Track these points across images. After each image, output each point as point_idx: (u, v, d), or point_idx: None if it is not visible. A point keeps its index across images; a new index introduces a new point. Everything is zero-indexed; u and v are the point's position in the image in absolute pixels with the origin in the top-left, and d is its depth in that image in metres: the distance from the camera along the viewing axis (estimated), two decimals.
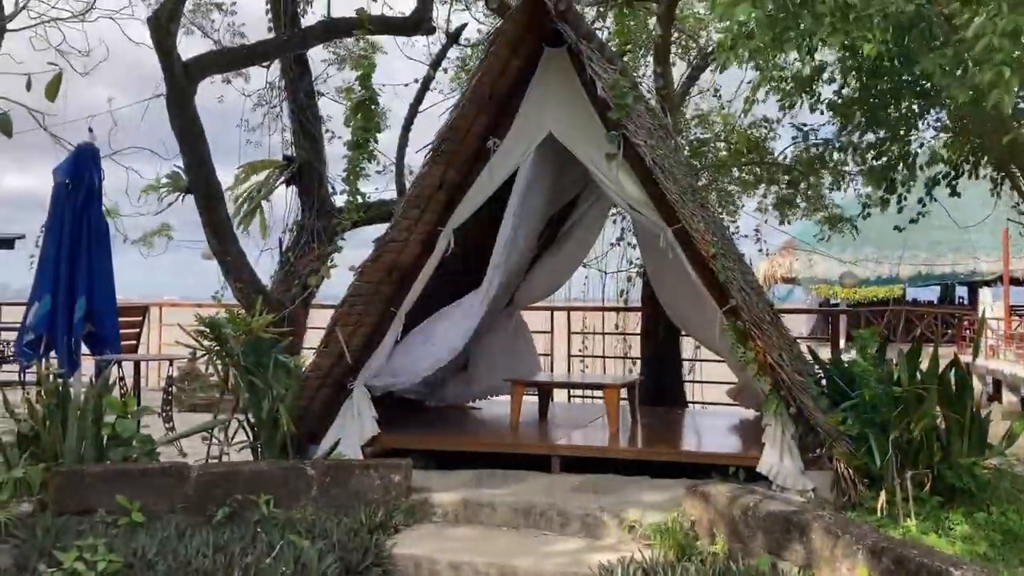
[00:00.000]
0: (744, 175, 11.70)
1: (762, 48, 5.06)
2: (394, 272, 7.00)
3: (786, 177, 11.31)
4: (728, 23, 5.13)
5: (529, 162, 6.93)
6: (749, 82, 11.33)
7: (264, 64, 10.96)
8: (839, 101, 7.94)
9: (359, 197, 7.94)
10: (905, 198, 8.01)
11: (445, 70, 11.51)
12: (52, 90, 7.61)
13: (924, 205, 8.26)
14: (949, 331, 21.09)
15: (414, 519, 6.00)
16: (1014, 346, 17.58)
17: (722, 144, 11.88)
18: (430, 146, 6.72)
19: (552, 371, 10.76)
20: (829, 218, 11.94)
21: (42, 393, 6.30)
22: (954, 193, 8.04)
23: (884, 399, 5.66)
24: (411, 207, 6.84)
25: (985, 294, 20.97)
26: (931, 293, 27.06)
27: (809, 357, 7.29)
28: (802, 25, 5.13)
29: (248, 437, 6.55)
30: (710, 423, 8.78)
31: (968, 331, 20.67)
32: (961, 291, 26.91)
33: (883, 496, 5.46)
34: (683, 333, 9.72)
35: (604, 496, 6.17)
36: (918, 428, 5.49)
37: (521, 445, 7.24)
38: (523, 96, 6.94)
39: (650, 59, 11.02)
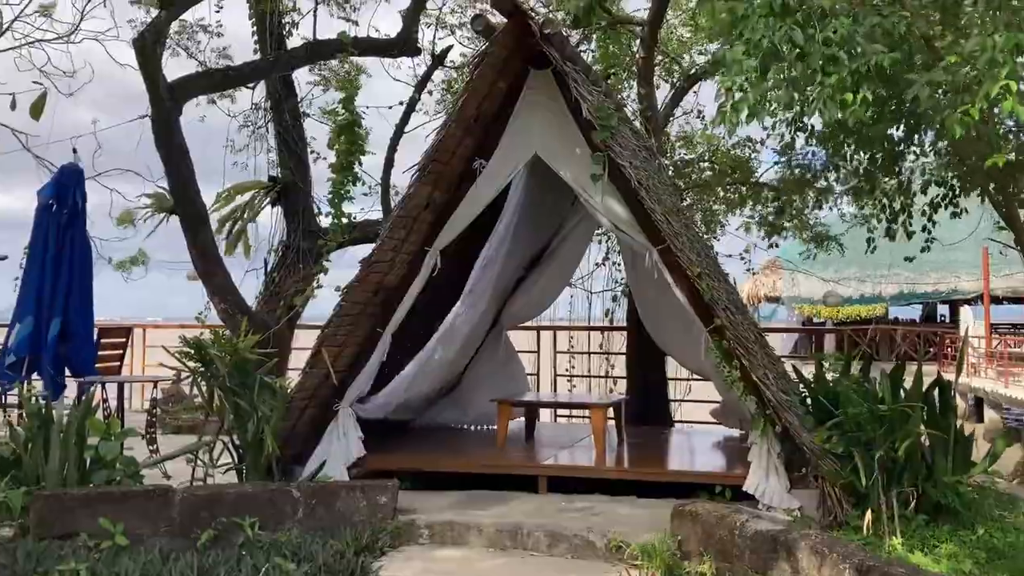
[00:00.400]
0: (728, 195, 11.81)
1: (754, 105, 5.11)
2: (380, 292, 7.00)
3: (771, 196, 11.42)
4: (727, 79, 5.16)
5: (518, 183, 6.97)
6: (732, 103, 11.46)
7: (250, 86, 11.00)
8: (827, 131, 8.06)
9: (344, 219, 7.94)
10: (910, 223, 8.13)
11: (430, 92, 11.59)
12: (37, 109, 7.63)
13: (929, 232, 8.37)
14: (931, 349, 21.24)
15: (401, 541, 5.97)
16: (995, 364, 17.72)
17: (706, 164, 11.99)
18: (417, 167, 6.74)
19: (538, 391, 10.75)
20: (815, 237, 12.05)
21: (24, 416, 6.24)
22: (956, 215, 8.16)
23: (869, 418, 5.69)
24: (397, 228, 6.85)
25: (966, 312, 21.13)
26: (913, 312, 27.29)
27: (793, 376, 7.32)
28: (793, 72, 5.23)
29: (233, 459, 6.50)
30: (696, 442, 8.80)
31: (950, 349, 20.83)
32: (943, 309, 27.12)
33: (869, 515, 5.47)
34: (667, 353, 9.76)
35: (591, 516, 6.17)
36: (903, 447, 5.51)
37: (508, 465, 7.22)
38: (509, 117, 6.98)
39: (634, 81, 11.13)
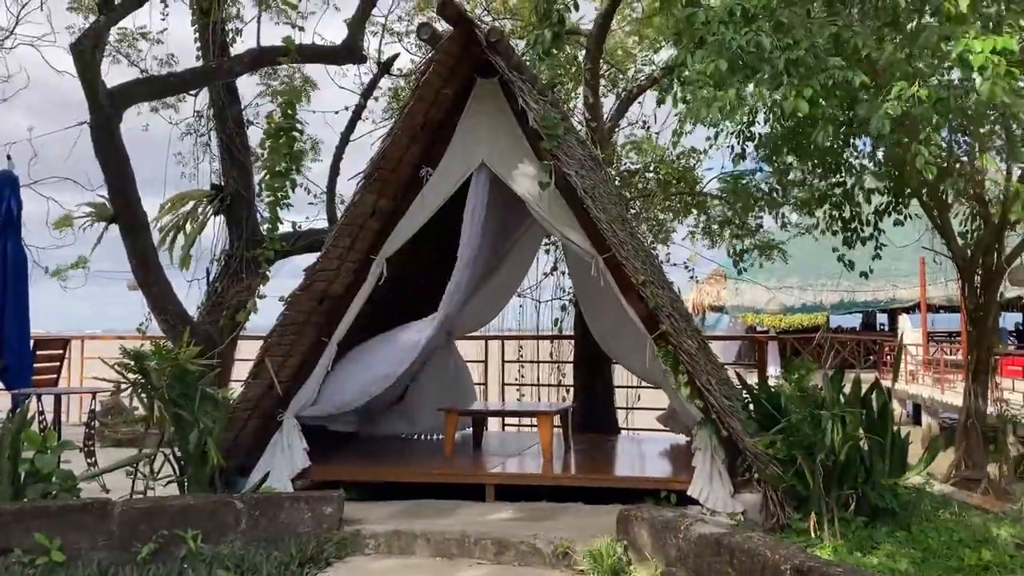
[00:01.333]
0: (673, 204, 11.94)
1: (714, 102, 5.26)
2: (325, 301, 6.94)
3: (716, 203, 11.59)
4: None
5: (474, 191, 6.97)
6: (677, 114, 11.65)
7: (192, 93, 10.85)
8: (764, 138, 8.23)
9: (280, 225, 7.77)
10: (862, 230, 8.32)
11: (376, 99, 11.55)
12: None
13: (876, 240, 8.56)
14: (871, 357, 21.73)
15: (346, 552, 5.90)
16: (932, 371, 18.19)
17: (651, 174, 12.11)
18: (362, 174, 6.71)
19: (487, 400, 10.74)
20: (759, 246, 12.24)
21: None
22: (899, 222, 8.37)
23: (810, 422, 5.80)
24: (343, 236, 6.81)
25: (904, 321, 21.68)
26: (853, 320, 27.89)
27: (737, 383, 7.43)
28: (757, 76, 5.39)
29: (175, 471, 6.37)
30: (642, 448, 8.87)
31: (889, 357, 21.33)
32: (882, 318, 27.77)
33: (812, 517, 5.57)
34: (615, 361, 9.83)
35: (538, 523, 6.17)
36: (843, 450, 5.63)
37: (455, 474, 7.20)
38: (456, 125, 6.99)
39: (580, 91, 11.22)
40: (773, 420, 6.25)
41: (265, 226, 7.83)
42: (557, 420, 8.10)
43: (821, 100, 5.64)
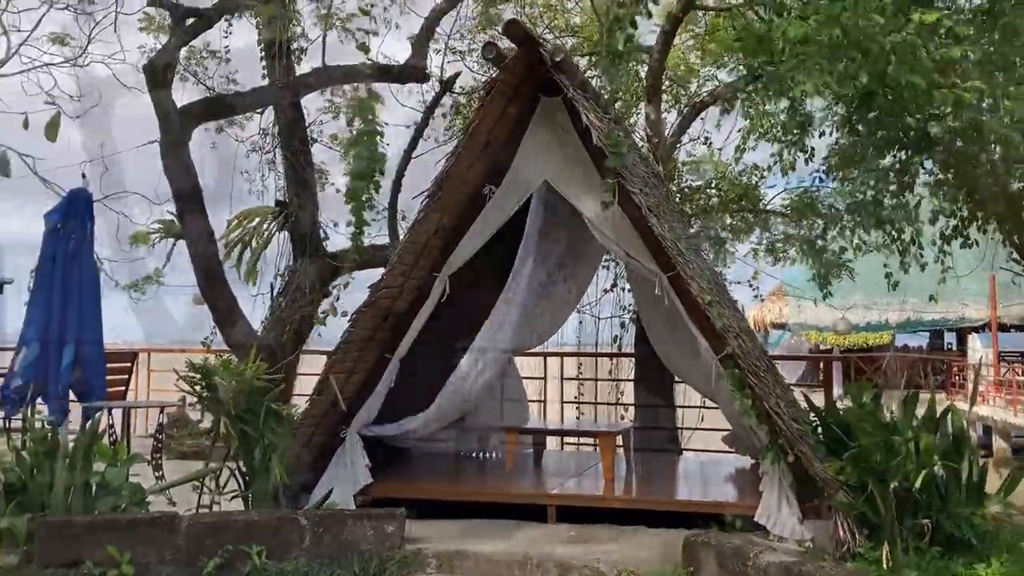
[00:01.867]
0: (735, 222, 11.79)
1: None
2: (389, 318, 6.97)
3: (779, 222, 11.41)
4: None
5: (535, 209, 6.96)
6: (739, 130, 11.53)
7: (259, 111, 11.05)
8: (835, 159, 8.09)
9: (365, 226, 7.72)
10: (921, 255, 8.11)
11: (444, 116, 11.62)
12: (52, 130, 7.65)
13: (942, 263, 8.34)
14: (938, 377, 21.12)
15: (408, 571, 5.89)
16: (1004, 392, 17.62)
17: (712, 191, 11.98)
18: (427, 192, 6.73)
19: (544, 418, 10.67)
20: (825, 263, 11.98)
21: (29, 441, 6.19)
22: (966, 245, 8.14)
23: (882, 448, 5.63)
24: (407, 253, 6.84)
25: (975, 340, 21.04)
26: (920, 339, 27.16)
27: (804, 404, 7.26)
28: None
29: (239, 486, 6.44)
30: (706, 471, 8.72)
31: (957, 377, 20.72)
32: (949, 337, 27.00)
33: (885, 547, 5.39)
34: (677, 379, 9.70)
35: (600, 546, 6.09)
36: (919, 478, 5.44)
37: (516, 495, 7.15)
38: (519, 144, 6.98)
39: (641, 107, 11.15)
40: (842, 444, 6.09)
41: (342, 240, 7.86)
42: (618, 440, 8.01)
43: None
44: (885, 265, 8.74)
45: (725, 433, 8.64)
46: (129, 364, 10.37)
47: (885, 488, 5.56)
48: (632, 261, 6.86)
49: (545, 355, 11.06)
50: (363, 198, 7.25)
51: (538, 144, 6.93)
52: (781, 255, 11.89)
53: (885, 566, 5.42)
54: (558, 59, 6.40)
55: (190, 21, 9.24)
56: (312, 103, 11.15)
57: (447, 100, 11.72)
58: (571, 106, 6.64)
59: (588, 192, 6.75)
